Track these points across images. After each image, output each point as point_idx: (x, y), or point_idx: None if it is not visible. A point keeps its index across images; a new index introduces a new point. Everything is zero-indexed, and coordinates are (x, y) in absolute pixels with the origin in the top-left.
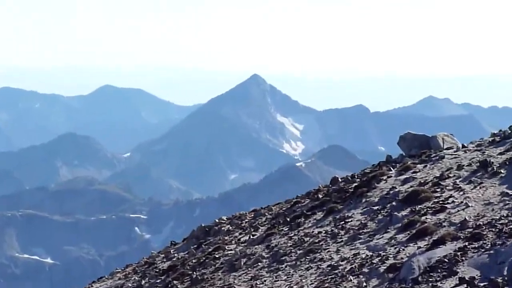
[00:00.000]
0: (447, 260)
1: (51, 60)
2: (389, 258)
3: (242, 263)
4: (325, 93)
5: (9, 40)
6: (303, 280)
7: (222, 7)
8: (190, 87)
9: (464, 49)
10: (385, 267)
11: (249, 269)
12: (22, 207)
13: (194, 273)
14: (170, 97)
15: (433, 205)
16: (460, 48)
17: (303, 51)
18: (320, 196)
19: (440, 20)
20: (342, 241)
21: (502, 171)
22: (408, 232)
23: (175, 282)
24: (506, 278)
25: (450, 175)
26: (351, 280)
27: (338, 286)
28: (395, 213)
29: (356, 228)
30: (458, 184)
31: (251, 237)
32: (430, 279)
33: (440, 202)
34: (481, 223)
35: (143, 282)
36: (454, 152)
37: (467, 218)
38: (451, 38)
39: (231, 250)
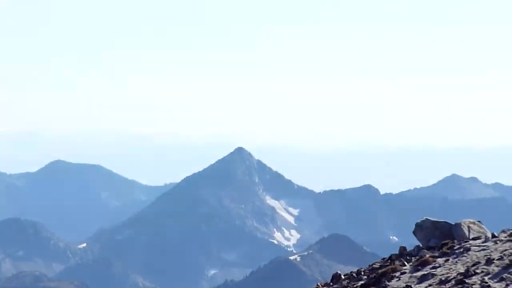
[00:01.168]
0: None
1: None
2: None
3: None
4: (326, 170)
5: None
6: None
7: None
8: (161, 162)
9: (492, 118)
10: None
11: None
12: None
13: None
14: (135, 175)
15: None
16: (486, 117)
17: (299, 117)
18: None
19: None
20: None
21: None
22: None
23: None
24: None
25: (478, 271)
26: None
27: None
28: None
29: None
30: (487, 282)
31: None
32: None
33: None
34: None
35: None
36: (483, 243)
37: None
38: (475, 104)
39: None
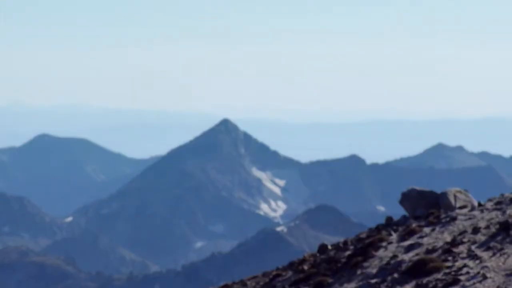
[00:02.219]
0: None
1: None
2: None
3: None
4: (312, 141)
5: None
6: None
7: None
8: (146, 135)
9: (481, 88)
10: None
11: None
12: None
13: None
14: (121, 148)
15: (443, 277)
16: (476, 87)
17: (284, 88)
18: (306, 267)
19: (451, 53)
20: None
21: None
22: None
23: None
24: None
25: (464, 240)
26: None
27: None
28: (398, 287)
29: None
30: (473, 251)
31: None
32: None
33: (453, 273)
34: None
35: None
36: (469, 211)
37: None
38: (465, 74)
39: None
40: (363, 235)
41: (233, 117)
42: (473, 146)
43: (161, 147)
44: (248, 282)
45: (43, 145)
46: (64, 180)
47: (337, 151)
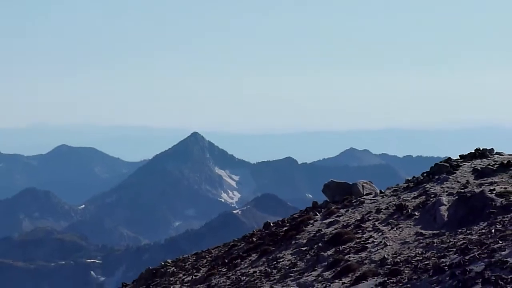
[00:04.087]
0: None
1: (13, 122)
2: None
3: None
4: (259, 148)
5: None
6: None
7: (170, 76)
8: (137, 144)
9: (378, 105)
10: None
11: None
12: None
13: None
14: (119, 154)
15: (355, 245)
16: (374, 104)
17: (240, 109)
18: (255, 239)
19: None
20: (275, 279)
21: (416, 213)
22: (333, 269)
23: None
24: None
25: (370, 218)
26: None
27: None
28: (322, 253)
29: (287, 267)
30: (377, 226)
31: (194, 277)
32: None
33: (362, 242)
34: (399, 260)
35: None
36: (373, 197)
37: (386, 256)
38: (367, 96)
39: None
40: (296, 215)
41: (200, 131)
42: (376, 149)
43: (148, 153)
44: (213, 251)
45: (63, 153)
46: (78, 178)
47: (277, 155)
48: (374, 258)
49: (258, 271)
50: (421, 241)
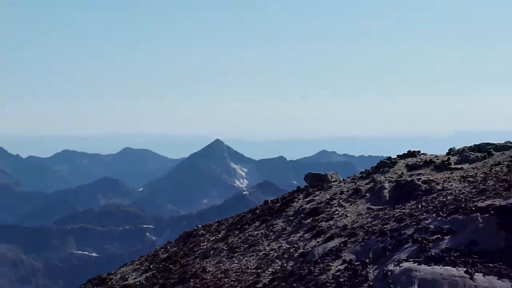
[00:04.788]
0: (335, 249)
1: (95, 130)
2: (300, 249)
3: (211, 253)
4: (260, 150)
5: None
6: (248, 263)
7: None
8: (178, 147)
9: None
10: (297, 254)
11: (215, 257)
12: (77, 223)
13: (182, 260)
14: (165, 153)
15: (326, 216)
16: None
17: (248, 122)
18: (258, 212)
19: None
20: (271, 239)
21: (367, 194)
22: (311, 232)
23: (170, 266)
24: (371, 259)
25: (336, 197)
26: (277, 262)
27: (269, 266)
28: (303, 221)
29: (280, 230)
30: (341, 203)
31: (216, 237)
32: (325, 261)
33: (330, 214)
34: (355, 226)
35: (151, 266)
36: (338, 184)
37: (346, 224)
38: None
39: (204, 245)
40: (286, 196)
41: (221, 138)
42: (341, 151)
43: (185, 153)
44: (229, 219)
45: (127, 153)
46: (137, 170)
47: (273, 155)
48: (339, 225)
49: (259, 233)
50: (371, 213)
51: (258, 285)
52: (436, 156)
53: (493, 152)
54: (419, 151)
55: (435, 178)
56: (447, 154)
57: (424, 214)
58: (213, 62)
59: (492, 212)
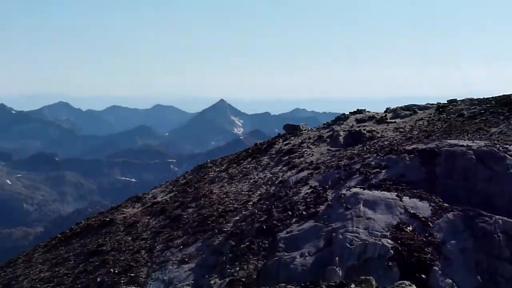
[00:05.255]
0: (304, 178)
1: (134, 91)
2: (279, 177)
3: (216, 180)
4: (253, 107)
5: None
6: (242, 187)
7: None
8: (193, 104)
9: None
10: (277, 181)
11: (219, 183)
12: (121, 157)
13: (195, 184)
14: (185, 108)
15: (298, 155)
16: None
17: (246, 86)
18: (250, 151)
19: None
20: (259, 170)
21: (328, 140)
22: (287, 166)
23: (187, 188)
24: (329, 186)
25: (305, 142)
26: (263, 187)
27: (257, 189)
28: (282, 158)
29: (265, 164)
30: (309, 146)
31: (220, 169)
32: (297, 186)
33: (301, 153)
34: (319, 162)
35: (173, 188)
36: (307, 132)
37: (312, 160)
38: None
39: (211, 175)
40: (270, 140)
41: (225, 98)
42: (310, 109)
43: (198, 109)
44: (230, 156)
45: (158, 109)
46: (165, 121)
47: (260, 110)
48: (307, 161)
49: (251, 166)
50: (330, 153)
51: (249, 203)
52: (377, 113)
53: (417, 111)
54: (364, 109)
55: (376, 129)
56: (385, 111)
57: (368, 154)
58: (224, 41)
59: (416, 153)
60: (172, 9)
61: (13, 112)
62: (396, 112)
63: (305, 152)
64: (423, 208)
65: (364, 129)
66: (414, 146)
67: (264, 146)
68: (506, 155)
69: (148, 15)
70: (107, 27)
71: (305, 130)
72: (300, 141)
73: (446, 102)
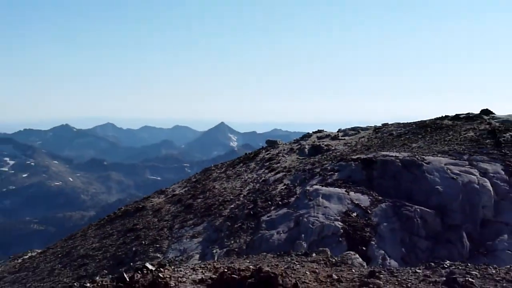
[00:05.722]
0: (280, 178)
1: (159, 115)
2: (263, 177)
3: (217, 179)
4: (243, 127)
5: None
6: (236, 184)
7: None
8: (201, 125)
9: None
10: (261, 180)
11: (220, 181)
12: (150, 162)
13: (203, 182)
14: (195, 128)
15: (276, 161)
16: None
17: (240, 112)
18: (241, 159)
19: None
20: (248, 172)
21: (297, 151)
22: (268, 170)
23: (197, 185)
24: (298, 184)
25: (281, 152)
26: (250, 184)
27: (247, 186)
28: (264, 164)
29: (252, 168)
30: (284, 155)
31: (220, 171)
32: (275, 184)
33: (278, 160)
34: (291, 166)
35: (187, 185)
36: (282, 145)
37: (286, 165)
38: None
39: (214, 175)
40: (256, 151)
41: (225, 121)
42: (284, 129)
43: (205, 129)
44: (228, 162)
45: (177, 128)
46: (181, 136)
47: (250, 130)
48: (282, 166)
49: (242, 169)
50: (299, 160)
51: (241, 195)
52: (332, 132)
53: (360, 131)
54: (323, 130)
55: (331, 144)
56: (337, 131)
57: (325, 161)
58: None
59: (359, 161)
60: (193, 53)
61: (74, 130)
62: (345, 132)
63: (281, 159)
64: (364, 200)
65: (323, 144)
66: (358, 156)
67: (252, 155)
68: (423, 163)
69: (177, 59)
70: (145, 67)
71: (281, 144)
72: (277, 152)
73: (381, 125)
